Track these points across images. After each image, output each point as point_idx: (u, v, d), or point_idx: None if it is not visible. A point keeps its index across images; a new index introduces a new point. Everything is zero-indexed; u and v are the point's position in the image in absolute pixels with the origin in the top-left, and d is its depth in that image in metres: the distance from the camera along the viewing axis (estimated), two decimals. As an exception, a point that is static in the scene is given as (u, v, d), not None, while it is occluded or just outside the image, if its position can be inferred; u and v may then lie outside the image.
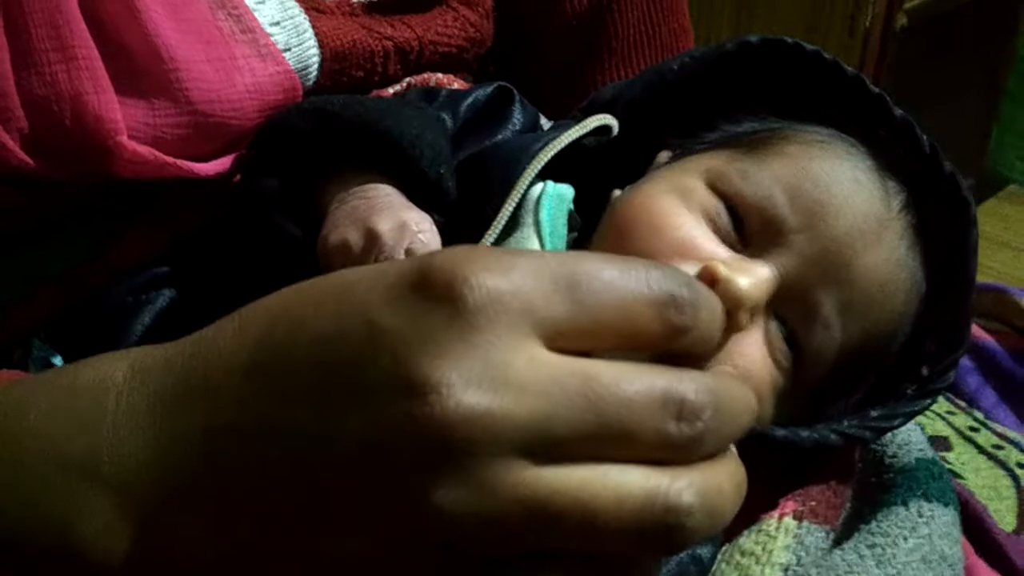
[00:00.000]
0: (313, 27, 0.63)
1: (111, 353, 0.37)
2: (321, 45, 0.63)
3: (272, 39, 0.60)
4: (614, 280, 0.31)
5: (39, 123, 0.51)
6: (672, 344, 0.33)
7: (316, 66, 0.63)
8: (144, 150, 0.53)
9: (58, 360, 0.57)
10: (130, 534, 0.32)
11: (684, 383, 0.31)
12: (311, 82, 0.64)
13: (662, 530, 0.30)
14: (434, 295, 0.30)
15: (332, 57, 0.64)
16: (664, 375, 0.31)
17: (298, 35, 0.62)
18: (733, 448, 0.33)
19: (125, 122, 0.53)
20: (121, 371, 0.35)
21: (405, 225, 0.52)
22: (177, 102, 0.55)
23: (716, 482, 0.31)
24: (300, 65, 0.62)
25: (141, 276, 0.59)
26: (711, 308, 0.33)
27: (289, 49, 0.61)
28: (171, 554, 0.32)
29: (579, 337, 0.31)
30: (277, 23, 0.61)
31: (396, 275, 0.31)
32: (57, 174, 0.53)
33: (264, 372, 0.32)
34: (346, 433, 0.30)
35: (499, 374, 0.29)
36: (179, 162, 0.56)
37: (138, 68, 0.54)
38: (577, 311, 0.31)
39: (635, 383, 0.30)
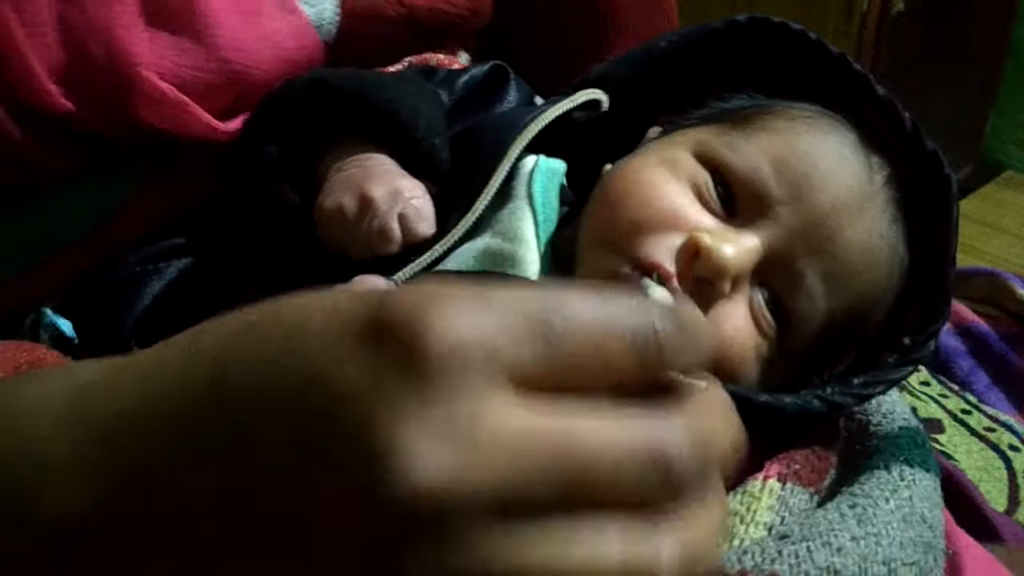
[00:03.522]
0: None
1: (54, 371, 0.35)
2: (341, 8, 0.65)
3: None
4: (589, 319, 0.29)
5: (70, 51, 0.53)
6: (653, 377, 0.31)
7: (334, 23, 0.65)
8: (164, 86, 0.55)
9: (67, 327, 0.58)
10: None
11: (671, 436, 0.28)
12: (329, 38, 0.65)
13: None
14: (391, 347, 0.27)
15: (349, 18, 0.66)
16: (647, 429, 0.28)
17: None
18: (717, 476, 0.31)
19: (152, 59, 0.55)
20: (61, 396, 0.32)
21: (398, 191, 0.54)
22: (203, 43, 0.57)
23: (697, 535, 0.29)
24: (318, 20, 0.64)
25: (151, 246, 0.61)
26: (694, 337, 0.31)
27: (308, 3, 0.63)
28: None
29: (552, 380, 0.28)
30: None
31: (350, 320, 0.28)
32: (80, 113, 0.55)
33: (213, 423, 0.29)
34: (302, 499, 0.27)
35: (464, 436, 0.27)
36: (197, 109, 0.57)
37: (170, 6, 0.56)
38: (549, 355, 0.28)
39: (616, 444, 0.28)
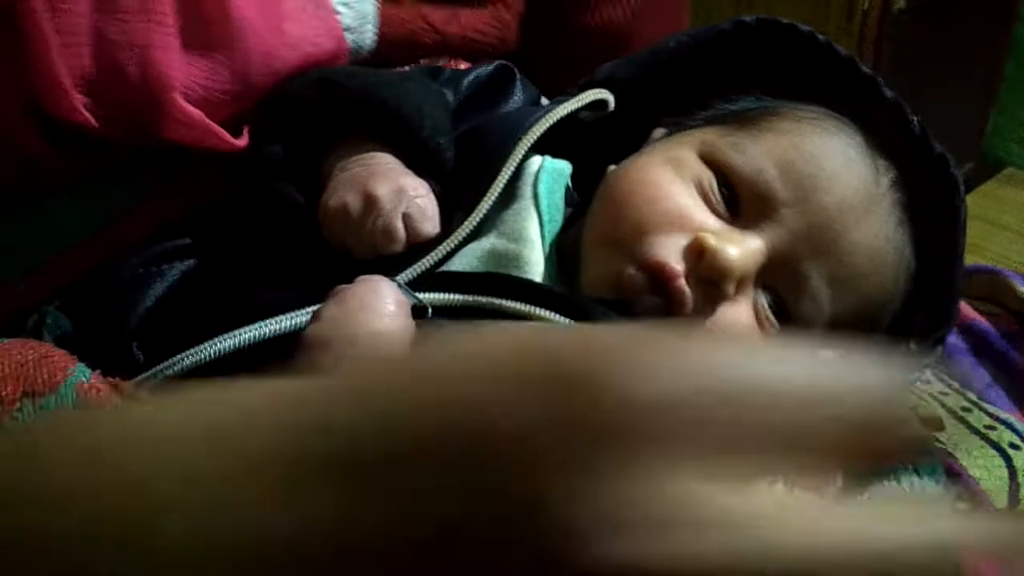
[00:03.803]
0: (380, 14, 0.65)
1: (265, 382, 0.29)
2: (380, 33, 0.65)
3: (338, 18, 0.62)
4: (810, 396, 0.25)
5: (103, 66, 0.52)
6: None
7: (371, 50, 0.65)
8: (193, 111, 0.55)
9: (70, 328, 0.57)
10: None
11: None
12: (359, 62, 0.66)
13: None
14: (570, 403, 0.24)
15: (386, 43, 0.66)
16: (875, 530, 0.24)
17: (360, 20, 0.64)
18: None
19: (183, 78, 0.54)
20: (289, 395, 0.27)
21: (403, 189, 0.54)
22: (236, 70, 0.56)
23: None
24: (357, 47, 0.64)
25: (154, 248, 0.60)
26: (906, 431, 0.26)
27: (349, 29, 0.63)
28: None
29: (751, 466, 0.25)
30: (346, 3, 0.63)
31: (525, 362, 0.25)
32: (102, 126, 0.54)
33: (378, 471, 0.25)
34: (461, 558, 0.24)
35: (646, 517, 0.23)
36: (221, 131, 0.57)
37: (206, 21, 0.56)
38: (759, 434, 0.24)
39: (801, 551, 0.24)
